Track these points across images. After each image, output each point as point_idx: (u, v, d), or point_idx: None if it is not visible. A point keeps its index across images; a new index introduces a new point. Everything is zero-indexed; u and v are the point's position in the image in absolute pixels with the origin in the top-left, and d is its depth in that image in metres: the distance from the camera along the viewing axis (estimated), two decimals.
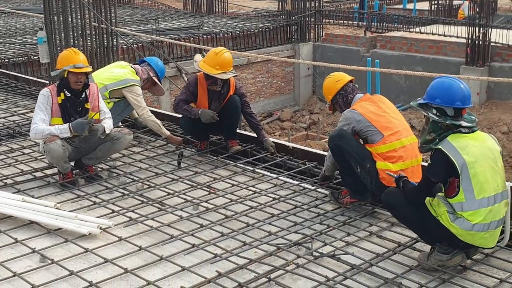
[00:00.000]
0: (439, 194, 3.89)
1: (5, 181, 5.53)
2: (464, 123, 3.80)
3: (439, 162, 3.76)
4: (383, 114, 4.80)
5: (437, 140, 3.82)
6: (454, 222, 3.77)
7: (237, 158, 6.14)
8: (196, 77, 6.14)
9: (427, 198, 3.92)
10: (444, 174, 3.78)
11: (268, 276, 3.88)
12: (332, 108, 5.15)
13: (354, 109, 4.82)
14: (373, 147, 4.71)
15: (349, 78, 5.08)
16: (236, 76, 6.14)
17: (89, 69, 5.41)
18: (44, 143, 5.21)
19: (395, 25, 17.48)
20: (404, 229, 4.52)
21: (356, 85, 5.11)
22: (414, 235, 4.33)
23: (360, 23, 18.71)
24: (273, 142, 6.22)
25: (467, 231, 3.76)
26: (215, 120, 5.96)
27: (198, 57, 6.20)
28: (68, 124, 5.22)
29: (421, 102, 3.90)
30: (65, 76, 5.22)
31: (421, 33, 15.65)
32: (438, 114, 3.82)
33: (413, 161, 4.73)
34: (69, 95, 5.26)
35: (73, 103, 5.29)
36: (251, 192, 5.34)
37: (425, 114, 3.87)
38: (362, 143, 4.82)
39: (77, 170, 5.63)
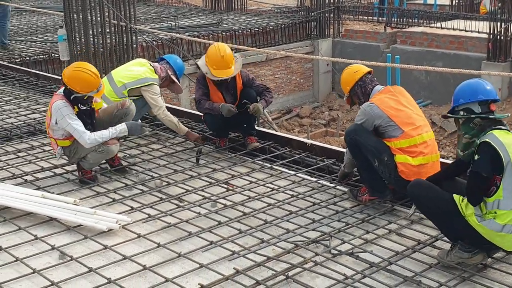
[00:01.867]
0: None
1: (25, 177, 5.58)
2: (498, 116, 3.78)
3: (487, 154, 3.65)
4: (403, 108, 4.74)
5: (476, 140, 3.76)
6: (482, 223, 3.70)
7: (255, 155, 6.13)
8: (202, 72, 6.19)
9: (457, 197, 3.82)
10: (492, 168, 3.65)
11: (286, 273, 3.87)
12: (350, 101, 5.09)
13: (373, 103, 4.76)
14: (392, 142, 4.66)
15: (368, 69, 5.05)
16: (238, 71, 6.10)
17: (104, 89, 5.45)
18: (103, 144, 5.27)
19: (416, 21, 17.31)
20: (424, 227, 4.47)
21: (375, 78, 5.06)
22: (434, 233, 4.29)
23: (380, 18, 18.56)
24: (261, 111, 6.06)
25: (496, 232, 3.68)
26: (234, 112, 5.94)
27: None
28: (124, 124, 5.34)
29: (450, 111, 3.91)
30: (85, 98, 5.24)
31: (442, 28, 15.48)
32: (465, 114, 3.82)
33: (433, 156, 4.69)
34: (84, 108, 5.30)
35: (86, 112, 5.34)
36: (269, 189, 5.33)
37: (455, 118, 3.89)
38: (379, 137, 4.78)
39: (97, 166, 5.67)
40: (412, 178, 4.46)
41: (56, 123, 5.23)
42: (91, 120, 5.38)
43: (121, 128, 5.33)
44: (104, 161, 5.69)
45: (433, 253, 4.11)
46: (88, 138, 5.19)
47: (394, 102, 4.77)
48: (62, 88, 5.33)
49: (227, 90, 6.11)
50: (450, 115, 3.98)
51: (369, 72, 5.02)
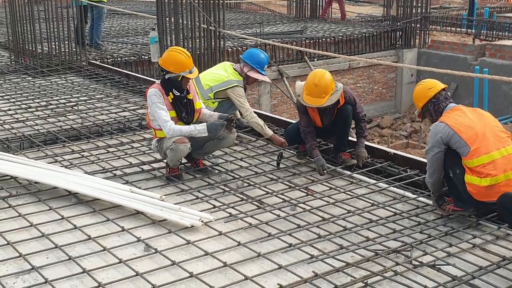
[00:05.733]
0: None
1: (114, 172, 5.84)
2: None
3: None
4: (472, 125, 4.58)
5: None
6: None
7: (334, 161, 6.11)
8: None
9: None
10: None
11: (365, 281, 3.85)
12: (422, 116, 4.99)
13: (443, 121, 4.65)
14: (463, 160, 4.57)
15: (442, 86, 4.90)
16: (337, 99, 5.81)
17: (197, 72, 5.66)
18: (173, 142, 5.40)
19: (506, 34, 16.73)
20: (510, 243, 4.34)
21: (449, 93, 4.92)
22: None
23: (468, 30, 18.07)
24: (367, 155, 5.96)
25: None
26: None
27: (299, 86, 5.96)
28: (205, 124, 5.47)
29: None
30: (179, 79, 5.46)
31: None
32: None
33: (507, 174, 4.48)
34: (178, 94, 5.51)
35: (181, 99, 5.54)
36: (348, 196, 5.32)
37: None
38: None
39: (182, 165, 5.85)
40: (483, 199, 4.38)
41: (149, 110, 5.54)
42: (187, 110, 5.55)
43: (201, 128, 5.46)
44: (187, 161, 5.89)
45: None
46: (169, 128, 5.39)
47: (463, 119, 4.63)
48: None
49: (328, 112, 5.93)
50: None
51: (443, 89, 4.88)
